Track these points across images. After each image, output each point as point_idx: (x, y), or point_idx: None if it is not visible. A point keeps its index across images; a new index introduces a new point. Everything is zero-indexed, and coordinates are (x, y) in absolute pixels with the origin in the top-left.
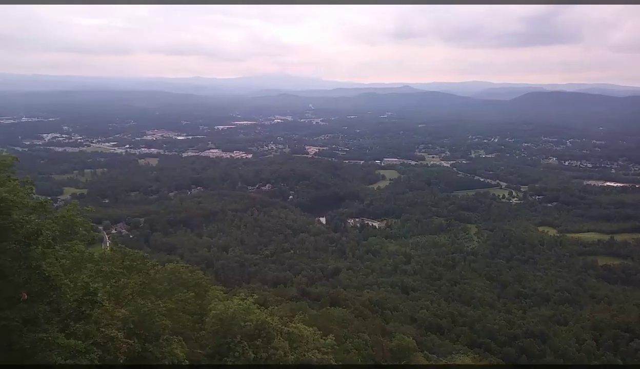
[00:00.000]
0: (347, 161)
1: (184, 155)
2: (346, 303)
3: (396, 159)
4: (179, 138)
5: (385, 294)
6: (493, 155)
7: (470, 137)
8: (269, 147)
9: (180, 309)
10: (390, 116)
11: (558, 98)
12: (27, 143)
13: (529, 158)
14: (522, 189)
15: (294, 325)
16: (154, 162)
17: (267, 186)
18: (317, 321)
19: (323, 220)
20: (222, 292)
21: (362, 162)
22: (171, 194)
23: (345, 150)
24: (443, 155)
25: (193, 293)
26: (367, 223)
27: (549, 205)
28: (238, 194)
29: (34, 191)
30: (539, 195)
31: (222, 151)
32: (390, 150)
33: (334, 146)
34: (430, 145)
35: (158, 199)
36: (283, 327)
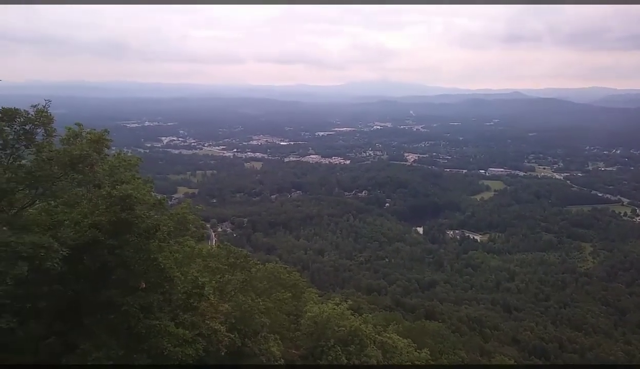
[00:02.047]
0: (448, 170)
1: (286, 159)
2: (442, 317)
3: (502, 169)
4: (282, 143)
5: (485, 311)
6: (614, 168)
7: (587, 148)
8: (367, 154)
9: (278, 309)
10: (497, 123)
11: None
12: (148, 145)
13: None
14: None
15: (387, 335)
16: (258, 165)
17: (363, 192)
18: (412, 333)
19: (420, 229)
20: (316, 295)
21: (464, 171)
22: (273, 197)
23: (447, 159)
24: (555, 166)
25: (290, 294)
26: (468, 235)
27: None
28: (335, 199)
29: (153, 189)
30: None
31: (322, 157)
32: (496, 159)
33: (434, 154)
34: (541, 155)
35: (260, 201)
36: (377, 336)
